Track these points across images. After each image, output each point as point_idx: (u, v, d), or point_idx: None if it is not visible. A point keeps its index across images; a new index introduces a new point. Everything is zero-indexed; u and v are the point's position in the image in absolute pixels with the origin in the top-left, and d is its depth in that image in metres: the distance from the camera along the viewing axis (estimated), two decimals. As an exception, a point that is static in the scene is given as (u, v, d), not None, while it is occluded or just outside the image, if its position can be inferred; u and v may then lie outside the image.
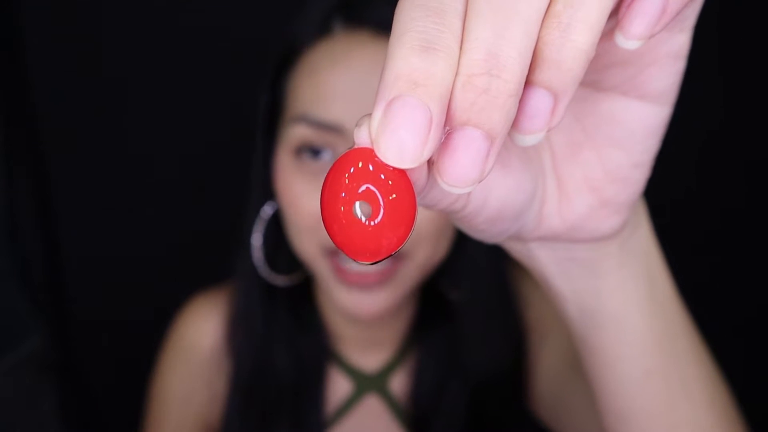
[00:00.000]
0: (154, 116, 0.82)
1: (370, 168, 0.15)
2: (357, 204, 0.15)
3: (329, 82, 0.45)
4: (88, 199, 0.85)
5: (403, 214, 0.15)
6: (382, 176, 0.15)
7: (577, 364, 0.49)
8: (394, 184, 0.15)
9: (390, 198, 0.15)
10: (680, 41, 0.19)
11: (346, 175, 0.15)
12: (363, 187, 0.15)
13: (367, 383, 0.56)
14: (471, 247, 0.52)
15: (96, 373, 0.89)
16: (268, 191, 0.52)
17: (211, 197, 0.82)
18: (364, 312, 0.47)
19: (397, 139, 0.14)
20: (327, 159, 0.46)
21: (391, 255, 0.16)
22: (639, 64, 0.20)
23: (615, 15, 0.17)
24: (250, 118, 0.55)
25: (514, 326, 0.55)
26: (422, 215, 0.43)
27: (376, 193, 0.15)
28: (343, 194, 0.15)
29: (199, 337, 0.58)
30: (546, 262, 0.25)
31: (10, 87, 0.80)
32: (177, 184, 0.84)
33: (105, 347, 0.88)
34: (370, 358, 0.56)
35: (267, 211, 0.53)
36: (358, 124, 0.16)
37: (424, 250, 0.47)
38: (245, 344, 0.55)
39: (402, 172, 0.15)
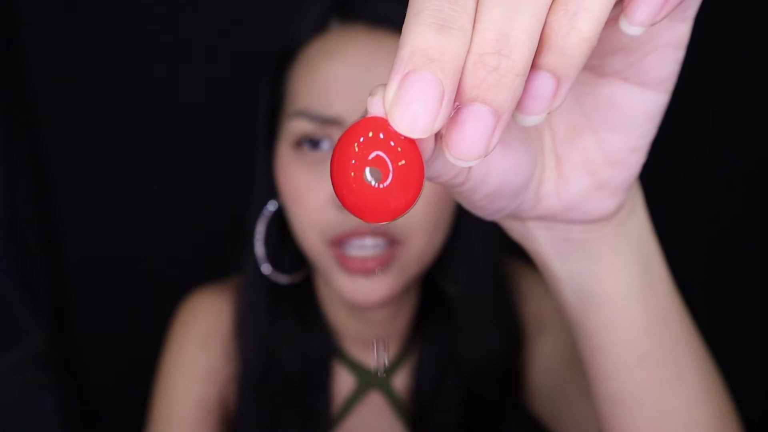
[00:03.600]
0: (155, 115, 0.82)
1: (381, 136, 0.16)
2: (367, 170, 0.16)
3: (326, 75, 0.45)
4: (88, 198, 0.85)
5: (411, 178, 0.16)
6: (392, 143, 0.16)
7: (574, 361, 0.49)
8: (403, 150, 0.16)
9: (399, 163, 0.16)
10: (681, 31, 0.20)
11: (356, 144, 0.16)
12: (373, 154, 0.16)
13: (370, 379, 0.56)
14: (467, 241, 0.53)
15: (96, 373, 0.89)
16: (270, 189, 0.53)
17: (212, 197, 0.82)
18: (366, 299, 0.47)
19: (411, 110, 0.15)
20: (326, 148, 0.46)
21: (400, 216, 0.17)
22: (640, 51, 0.21)
23: (620, 3, 0.18)
24: (252, 117, 0.55)
25: (510, 320, 0.55)
26: (418, 206, 0.44)
27: (385, 159, 0.16)
28: (354, 161, 0.16)
29: (213, 326, 0.57)
30: (543, 242, 0.26)
31: (10, 87, 0.80)
32: (178, 183, 0.84)
33: (105, 347, 0.88)
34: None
35: (270, 209, 0.54)
36: (371, 93, 0.16)
37: (420, 239, 0.47)
38: (252, 342, 0.55)
39: (411, 141, 0.16)
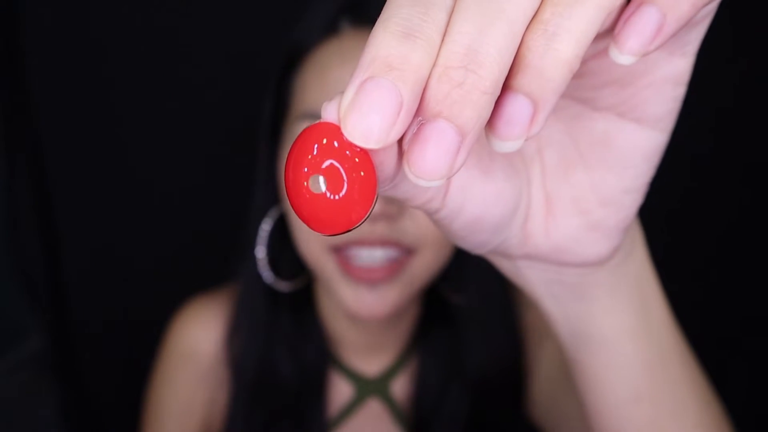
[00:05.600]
0: (155, 116, 0.82)
1: (335, 144, 0.15)
2: (320, 178, 0.16)
3: (339, 79, 0.44)
4: (88, 199, 0.84)
5: (364, 190, 0.16)
6: (347, 153, 0.15)
7: None
8: (358, 161, 0.15)
9: (353, 175, 0.16)
10: (680, 66, 0.19)
11: (310, 153, 0.16)
12: (327, 163, 0.16)
13: (368, 387, 0.56)
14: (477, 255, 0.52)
15: (96, 373, 0.89)
16: (272, 194, 0.52)
17: (213, 197, 0.82)
18: (368, 311, 0.46)
19: (365, 119, 0.14)
20: None
21: (351, 228, 0.16)
22: (636, 85, 0.20)
23: (611, 31, 0.17)
24: (255, 119, 0.55)
25: (513, 329, 0.55)
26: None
27: (339, 169, 0.16)
28: (306, 169, 0.16)
29: (198, 345, 0.57)
30: (535, 282, 0.25)
31: (10, 87, 0.79)
32: (178, 184, 0.84)
33: (105, 347, 0.88)
34: (371, 362, 0.56)
35: (271, 215, 0.53)
36: (329, 99, 0.16)
37: (433, 248, 0.46)
38: (247, 349, 0.54)
39: (365, 152, 0.16)
